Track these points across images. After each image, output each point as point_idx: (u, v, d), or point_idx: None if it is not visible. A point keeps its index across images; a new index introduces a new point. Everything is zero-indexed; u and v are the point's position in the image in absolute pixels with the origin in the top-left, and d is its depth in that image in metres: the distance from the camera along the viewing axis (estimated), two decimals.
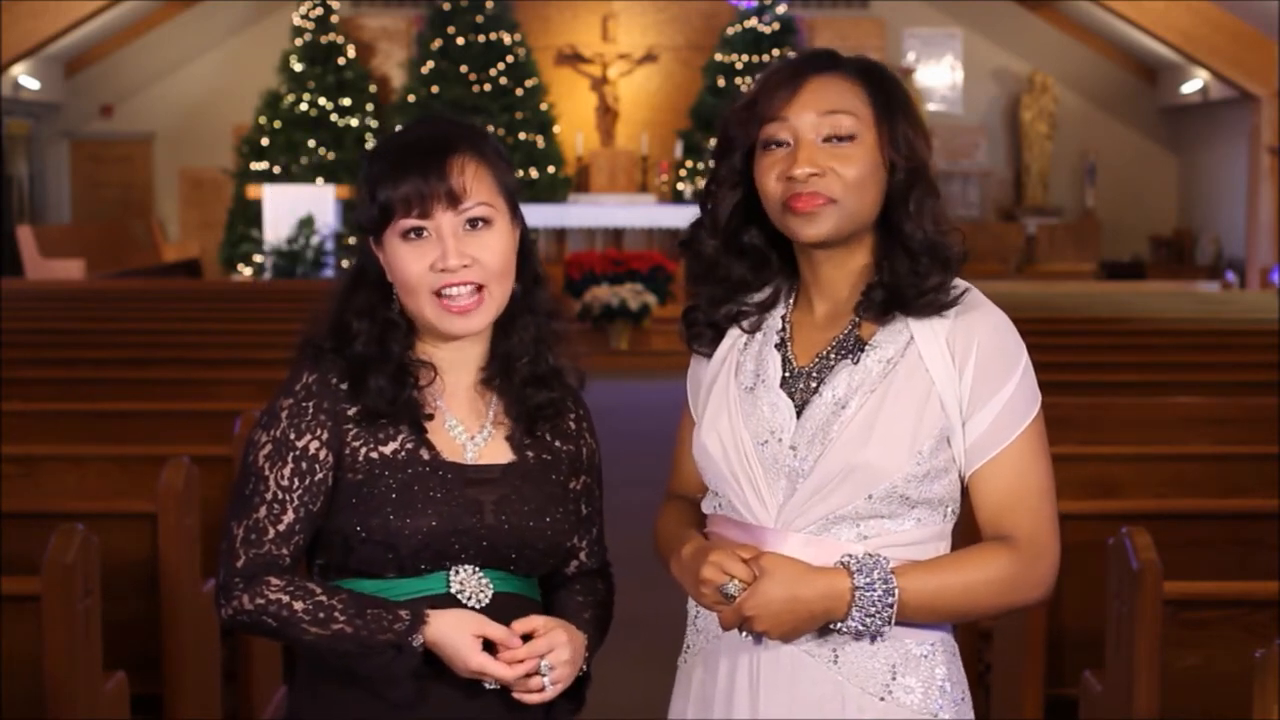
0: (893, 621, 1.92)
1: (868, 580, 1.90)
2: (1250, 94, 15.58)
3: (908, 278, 1.96)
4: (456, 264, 2.00)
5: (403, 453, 2.03)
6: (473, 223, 2.03)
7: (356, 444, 2.03)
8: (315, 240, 15.15)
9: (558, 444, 2.14)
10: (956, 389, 1.95)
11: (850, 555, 1.92)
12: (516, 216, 2.10)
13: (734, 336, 2.09)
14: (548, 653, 1.99)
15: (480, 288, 2.03)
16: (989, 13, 18.18)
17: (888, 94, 2.00)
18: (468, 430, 2.08)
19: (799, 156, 1.96)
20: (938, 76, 18.40)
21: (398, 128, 2.24)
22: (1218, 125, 17.46)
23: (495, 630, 1.98)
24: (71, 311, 10.00)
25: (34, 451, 4.66)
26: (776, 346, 2.04)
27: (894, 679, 1.96)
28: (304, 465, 2.02)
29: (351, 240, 14.66)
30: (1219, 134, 17.46)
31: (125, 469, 4.50)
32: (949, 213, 2.02)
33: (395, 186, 2.01)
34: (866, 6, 18.17)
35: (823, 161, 1.95)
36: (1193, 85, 17.40)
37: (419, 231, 2.02)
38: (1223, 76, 15.75)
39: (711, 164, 2.08)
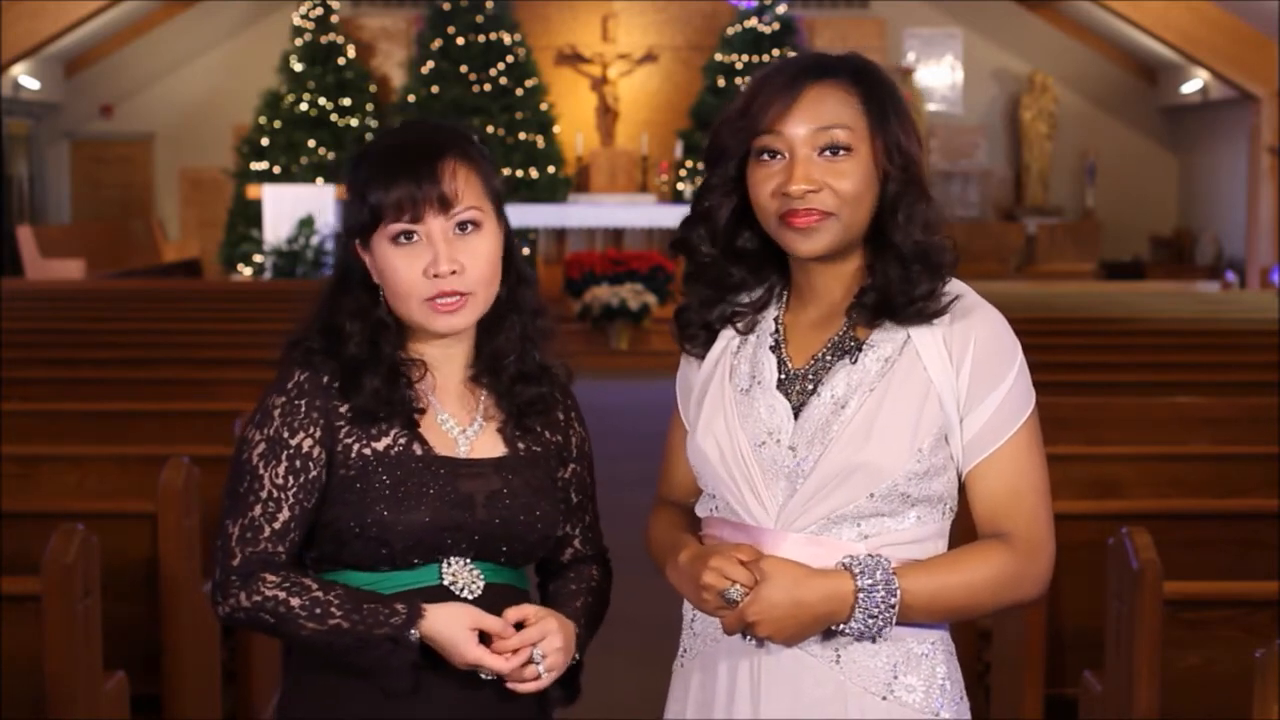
0: (894, 622, 1.92)
1: (870, 582, 1.90)
2: (1250, 94, 15.59)
3: (899, 285, 1.96)
4: (447, 269, 2.01)
5: (396, 448, 2.04)
6: (462, 226, 2.04)
7: (349, 440, 2.04)
8: (315, 240, 15.13)
9: (547, 435, 2.15)
10: (954, 386, 1.95)
11: (852, 556, 1.92)
12: (502, 218, 2.11)
13: (726, 339, 2.08)
14: (540, 641, 2.00)
15: (465, 294, 2.04)
16: (989, 13, 18.18)
17: (882, 101, 1.97)
18: (459, 424, 2.10)
19: (795, 172, 1.94)
20: (938, 76, 18.41)
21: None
22: (1218, 125, 17.46)
23: (491, 622, 1.99)
24: (71, 311, 9.99)
25: (34, 451, 4.66)
26: (771, 348, 2.04)
27: (896, 678, 1.96)
28: (298, 463, 2.03)
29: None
30: (1219, 134, 17.46)
31: (125, 469, 4.49)
32: (943, 213, 2.02)
33: (386, 190, 2.02)
34: (866, 6, 18.17)
35: (818, 176, 1.94)
36: (1193, 85, 17.40)
37: (409, 235, 2.03)
38: (1223, 76, 15.76)
39: (702, 168, 2.08)
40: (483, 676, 2.00)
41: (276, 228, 15.31)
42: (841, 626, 1.92)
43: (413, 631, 1.96)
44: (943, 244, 1.98)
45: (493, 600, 2.03)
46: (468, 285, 2.03)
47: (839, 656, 1.95)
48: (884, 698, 1.95)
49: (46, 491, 4.45)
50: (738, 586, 1.92)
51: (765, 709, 1.97)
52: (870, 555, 1.92)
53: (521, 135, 16.59)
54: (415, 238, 2.03)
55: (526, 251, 15.63)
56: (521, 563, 2.11)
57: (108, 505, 4.15)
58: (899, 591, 1.91)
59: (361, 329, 2.06)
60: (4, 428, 5.03)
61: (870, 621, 1.91)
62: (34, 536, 3.59)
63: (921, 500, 1.96)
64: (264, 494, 2.02)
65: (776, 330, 2.05)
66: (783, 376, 2.02)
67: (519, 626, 2.01)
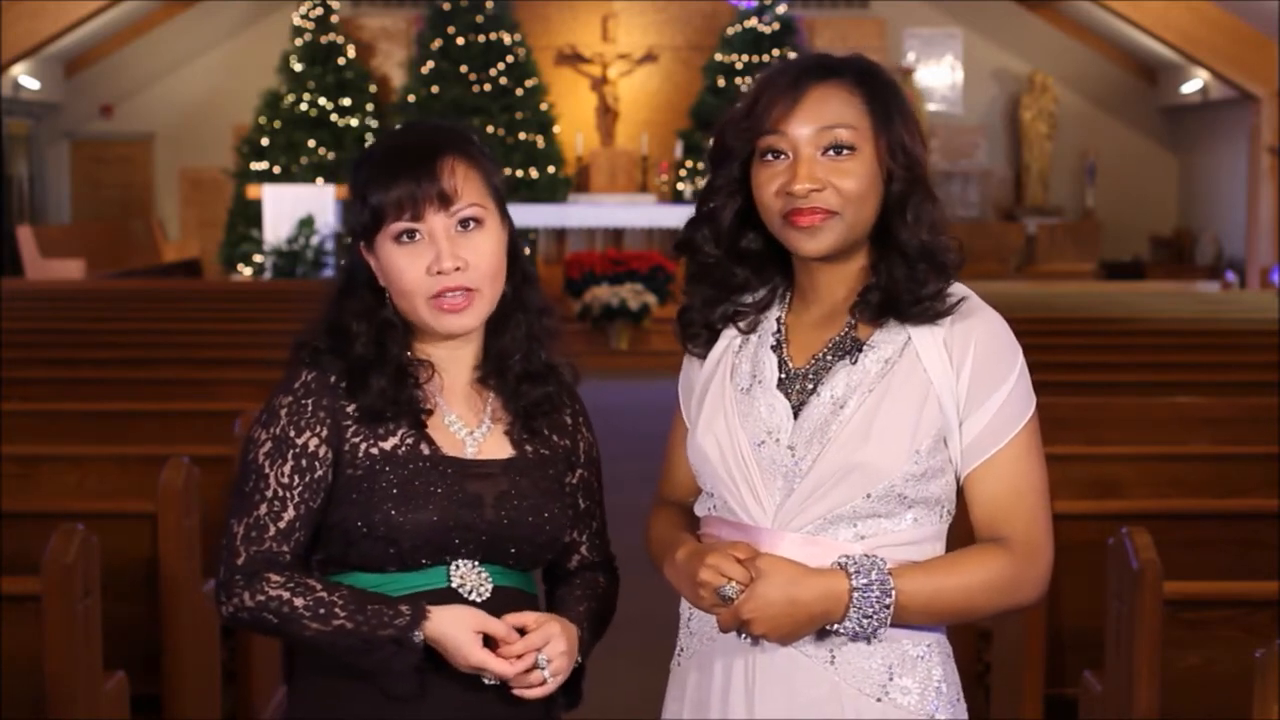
0: (889, 623, 1.92)
1: (865, 581, 1.90)
2: (1250, 94, 15.59)
3: (905, 284, 1.96)
4: (450, 266, 2.01)
5: (403, 448, 2.04)
6: (464, 223, 2.04)
7: (356, 440, 2.04)
8: (315, 240, 15.14)
9: (555, 438, 2.15)
10: (954, 389, 1.95)
11: (847, 556, 1.92)
12: (505, 217, 2.11)
13: (729, 338, 2.08)
14: (544, 646, 2.00)
15: (471, 291, 2.04)
16: (989, 13, 18.18)
17: (885, 101, 1.98)
18: (467, 425, 2.10)
19: (799, 171, 1.95)
20: (938, 76, 18.40)
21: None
22: (1218, 125, 17.46)
23: (495, 626, 1.99)
24: (71, 311, 10.00)
25: (34, 451, 4.66)
26: (773, 348, 2.04)
27: (891, 680, 1.96)
28: (304, 462, 2.03)
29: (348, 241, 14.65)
30: (1219, 134, 17.46)
31: (125, 469, 4.49)
32: (947, 215, 2.02)
33: (387, 190, 2.02)
34: (866, 6, 18.17)
35: (822, 175, 1.95)
36: (1193, 85, 17.40)
37: (411, 234, 2.03)
38: (1223, 76, 15.75)
39: (705, 168, 2.08)
40: (486, 681, 2.00)
41: (276, 228, 15.31)
42: (836, 626, 1.92)
43: (417, 633, 1.96)
44: (948, 244, 1.99)
45: (501, 603, 2.03)
46: (473, 281, 2.03)
47: (834, 657, 1.95)
48: (878, 699, 1.95)
49: (46, 491, 4.45)
50: (734, 584, 1.92)
51: (760, 709, 1.97)
52: (866, 555, 1.92)
53: (521, 135, 16.59)
54: (417, 236, 2.03)
55: (527, 251, 15.64)
56: (529, 566, 2.11)
57: (108, 505, 4.15)
58: (894, 592, 1.90)
59: (368, 329, 2.06)
60: (4, 428, 5.03)
61: (865, 621, 1.91)
62: (34, 536, 3.59)
63: (919, 502, 1.96)
64: (269, 493, 2.02)
65: (778, 330, 2.05)
66: (783, 376, 2.02)
67: (521, 632, 2.00)
